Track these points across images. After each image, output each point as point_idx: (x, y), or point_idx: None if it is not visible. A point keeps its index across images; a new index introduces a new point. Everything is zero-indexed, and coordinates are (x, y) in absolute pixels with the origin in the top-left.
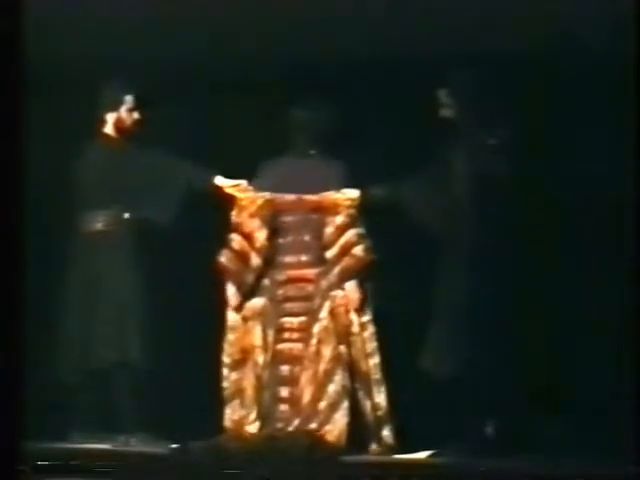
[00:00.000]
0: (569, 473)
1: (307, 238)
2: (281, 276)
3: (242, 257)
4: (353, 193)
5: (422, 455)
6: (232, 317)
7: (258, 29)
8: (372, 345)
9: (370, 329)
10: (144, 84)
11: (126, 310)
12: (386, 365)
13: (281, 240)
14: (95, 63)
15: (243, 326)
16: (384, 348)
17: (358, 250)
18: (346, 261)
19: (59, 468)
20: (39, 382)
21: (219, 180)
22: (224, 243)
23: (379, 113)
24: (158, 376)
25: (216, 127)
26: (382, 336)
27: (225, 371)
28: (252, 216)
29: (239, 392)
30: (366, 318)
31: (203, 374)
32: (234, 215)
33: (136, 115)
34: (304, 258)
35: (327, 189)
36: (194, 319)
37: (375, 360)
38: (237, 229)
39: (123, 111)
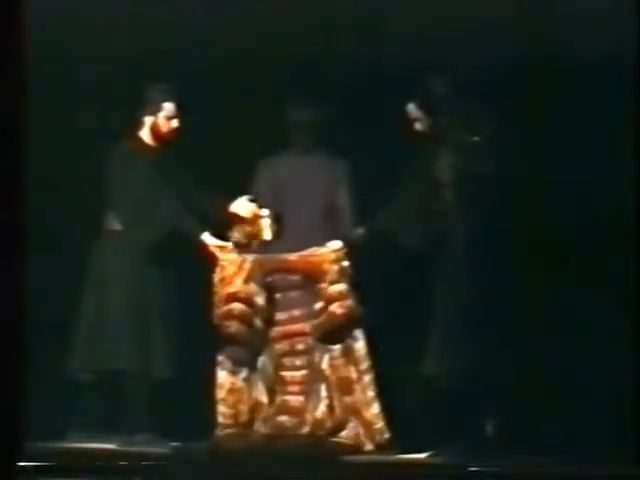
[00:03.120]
0: (569, 473)
1: (296, 294)
2: (275, 332)
3: (246, 322)
4: (336, 244)
5: (422, 455)
6: (228, 379)
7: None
8: (371, 394)
9: (367, 377)
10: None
11: (134, 312)
12: (387, 365)
13: (272, 297)
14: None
15: (246, 387)
16: (384, 349)
17: (335, 307)
18: (323, 317)
19: (59, 468)
20: (40, 382)
21: (206, 237)
22: (226, 313)
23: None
24: (159, 376)
25: (216, 128)
26: (382, 337)
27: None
28: (247, 282)
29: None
30: (364, 366)
31: (204, 374)
32: (229, 284)
33: (175, 123)
34: (296, 313)
35: (332, 189)
36: (196, 320)
37: (375, 409)
38: (234, 297)
39: (161, 117)
